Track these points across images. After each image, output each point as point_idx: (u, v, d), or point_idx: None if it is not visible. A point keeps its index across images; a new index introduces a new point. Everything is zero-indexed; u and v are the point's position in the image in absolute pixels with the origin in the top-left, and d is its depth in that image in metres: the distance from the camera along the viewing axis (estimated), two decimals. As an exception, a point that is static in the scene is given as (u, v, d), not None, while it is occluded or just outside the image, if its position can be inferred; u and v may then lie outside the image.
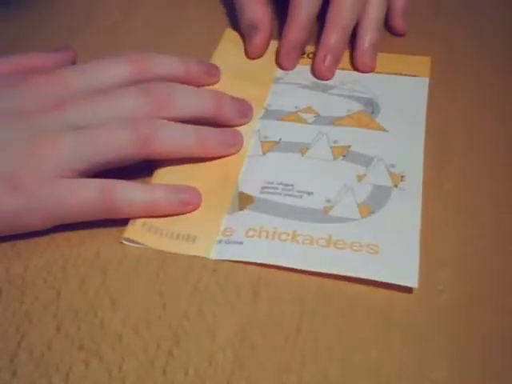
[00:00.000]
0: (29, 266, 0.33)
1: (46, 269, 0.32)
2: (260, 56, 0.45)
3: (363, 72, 0.44)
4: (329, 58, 0.43)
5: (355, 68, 0.44)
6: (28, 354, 0.29)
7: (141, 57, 0.39)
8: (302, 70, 0.44)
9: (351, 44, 0.45)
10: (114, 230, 0.34)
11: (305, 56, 0.45)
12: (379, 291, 0.31)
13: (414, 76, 0.44)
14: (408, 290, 0.31)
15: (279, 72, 0.44)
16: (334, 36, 0.43)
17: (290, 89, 0.43)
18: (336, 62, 0.44)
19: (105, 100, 0.36)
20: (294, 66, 0.44)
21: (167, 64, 0.39)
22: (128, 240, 0.34)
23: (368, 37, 0.44)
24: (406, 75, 0.44)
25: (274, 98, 0.42)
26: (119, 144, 0.34)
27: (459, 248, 0.34)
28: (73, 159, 0.33)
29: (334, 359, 0.29)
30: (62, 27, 0.48)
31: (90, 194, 0.33)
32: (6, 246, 0.33)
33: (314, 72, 0.44)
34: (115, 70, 0.38)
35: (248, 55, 0.45)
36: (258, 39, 0.45)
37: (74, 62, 0.42)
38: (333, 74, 0.44)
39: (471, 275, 0.32)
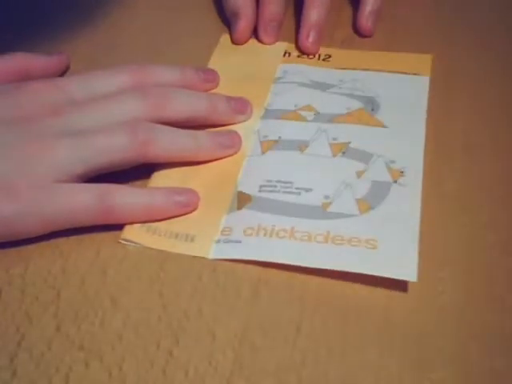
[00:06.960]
0: (29, 265, 0.33)
1: (46, 269, 0.32)
2: (243, 42, 0.46)
3: (362, 36, 0.47)
4: (312, 34, 0.45)
5: (356, 31, 0.47)
6: (28, 354, 0.29)
7: (139, 67, 0.39)
8: (302, 69, 0.44)
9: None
10: (113, 230, 0.34)
11: (305, 56, 0.45)
12: (379, 291, 0.31)
13: (415, 74, 0.44)
14: (407, 287, 0.31)
15: (279, 72, 0.44)
16: (315, 12, 0.45)
17: (289, 88, 0.43)
18: (320, 36, 0.45)
19: (101, 104, 0.36)
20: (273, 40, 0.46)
21: (165, 73, 0.40)
22: (126, 240, 0.34)
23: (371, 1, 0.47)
24: (406, 73, 0.44)
25: (275, 97, 0.42)
26: (117, 148, 0.34)
27: (459, 248, 0.34)
28: (70, 163, 0.33)
29: (333, 359, 0.29)
30: (60, 28, 0.48)
31: (88, 200, 0.33)
32: (6, 245, 0.33)
33: (298, 48, 0.46)
34: (113, 80, 0.38)
35: (232, 41, 0.46)
36: (240, 25, 0.46)
37: (65, 68, 0.42)
38: (318, 47, 0.45)
39: (471, 275, 0.32)
